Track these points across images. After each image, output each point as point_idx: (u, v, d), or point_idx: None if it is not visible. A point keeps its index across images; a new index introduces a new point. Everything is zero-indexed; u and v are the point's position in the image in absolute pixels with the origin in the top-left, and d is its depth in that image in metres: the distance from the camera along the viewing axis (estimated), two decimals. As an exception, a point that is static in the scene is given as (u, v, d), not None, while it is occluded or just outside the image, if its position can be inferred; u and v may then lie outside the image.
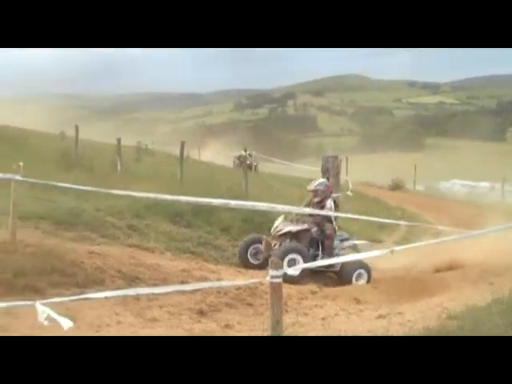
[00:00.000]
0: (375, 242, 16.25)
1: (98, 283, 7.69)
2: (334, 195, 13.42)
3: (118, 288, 7.31)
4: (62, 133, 31.84)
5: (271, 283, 4.61)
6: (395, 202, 26.14)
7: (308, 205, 11.61)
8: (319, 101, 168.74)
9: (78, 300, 4.51)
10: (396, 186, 34.09)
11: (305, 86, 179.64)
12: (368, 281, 11.14)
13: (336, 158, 14.48)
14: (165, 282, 8.38)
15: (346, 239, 11.78)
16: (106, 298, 4.82)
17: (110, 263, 8.75)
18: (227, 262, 11.40)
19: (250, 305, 8.06)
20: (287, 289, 8.11)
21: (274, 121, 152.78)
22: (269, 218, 11.87)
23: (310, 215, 11.33)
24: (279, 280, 4.60)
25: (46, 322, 3.47)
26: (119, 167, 18.78)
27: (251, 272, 10.74)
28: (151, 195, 9.89)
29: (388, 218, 12.95)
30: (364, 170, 42.48)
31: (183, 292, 7.53)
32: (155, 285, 7.93)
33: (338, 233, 11.67)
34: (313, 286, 9.99)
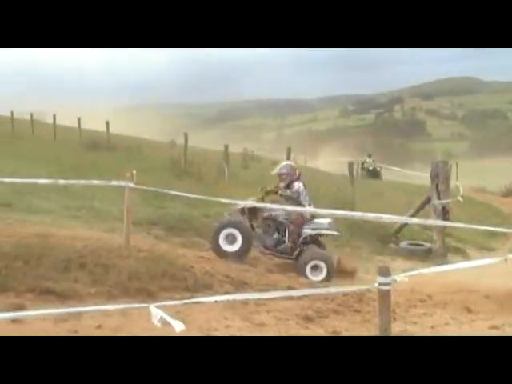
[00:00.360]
0: (487, 250, 15.70)
1: (207, 287, 7.84)
2: (443, 201, 13.08)
3: (227, 292, 7.43)
4: (172, 141, 32.94)
5: (379, 290, 4.53)
6: (509, 208, 25.16)
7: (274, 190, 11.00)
8: (428, 104, 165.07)
9: (189, 304, 4.62)
10: (509, 193, 32.65)
11: (413, 90, 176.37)
12: (328, 276, 10.12)
13: (446, 163, 14.22)
14: (272, 287, 8.43)
15: (325, 229, 10.78)
16: (216, 302, 4.90)
17: (218, 268, 8.92)
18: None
19: (357, 312, 7.94)
20: (395, 296, 7.95)
21: (380, 126, 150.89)
22: (373, 224, 11.63)
23: (284, 198, 10.62)
24: (388, 287, 4.52)
25: (158, 324, 3.60)
26: (227, 174, 19.13)
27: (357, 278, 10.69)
28: (256, 204, 10.02)
29: (501, 226, 12.44)
30: (475, 175, 41.13)
31: (290, 297, 7.55)
32: (262, 290, 8.00)
33: (315, 220, 10.73)
34: (422, 295, 9.71)
